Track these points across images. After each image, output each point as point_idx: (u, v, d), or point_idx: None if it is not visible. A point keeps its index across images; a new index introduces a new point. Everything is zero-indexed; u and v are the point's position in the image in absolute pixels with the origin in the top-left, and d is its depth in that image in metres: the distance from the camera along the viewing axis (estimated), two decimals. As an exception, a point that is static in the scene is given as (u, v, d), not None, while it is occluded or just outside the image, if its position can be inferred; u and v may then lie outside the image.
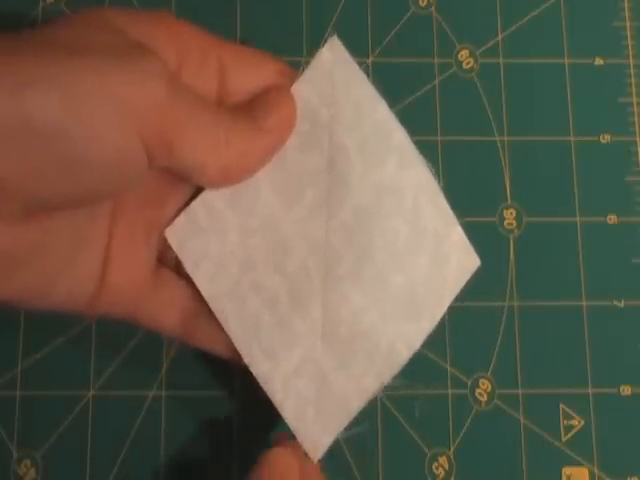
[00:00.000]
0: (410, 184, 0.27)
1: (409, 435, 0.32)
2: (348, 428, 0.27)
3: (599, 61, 0.35)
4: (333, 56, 0.27)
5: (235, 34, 0.35)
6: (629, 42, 0.36)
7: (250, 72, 0.26)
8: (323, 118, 0.27)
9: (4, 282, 0.24)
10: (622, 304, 0.33)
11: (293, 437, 0.27)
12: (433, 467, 0.32)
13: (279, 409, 0.27)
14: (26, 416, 0.31)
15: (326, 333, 0.27)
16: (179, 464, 0.31)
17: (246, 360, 0.27)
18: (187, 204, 0.27)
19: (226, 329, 0.27)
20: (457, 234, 0.28)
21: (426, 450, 0.32)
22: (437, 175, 0.34)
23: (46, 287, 0.25)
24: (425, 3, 0.36)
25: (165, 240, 0.27)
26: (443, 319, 0.32)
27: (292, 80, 0.27)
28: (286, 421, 0.27)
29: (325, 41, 0.28)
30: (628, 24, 0.36)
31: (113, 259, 0.26)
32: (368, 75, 0.35)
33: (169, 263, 0.28)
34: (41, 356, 0.32)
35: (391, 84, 0.35)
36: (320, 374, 0.27)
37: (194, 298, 0.28)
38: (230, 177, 0.26)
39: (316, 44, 0.35)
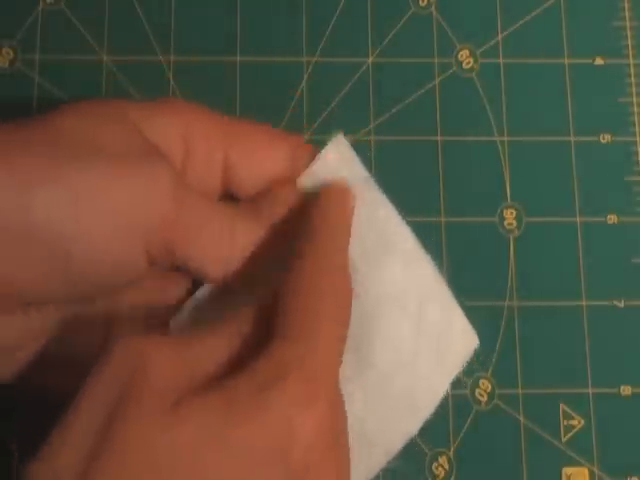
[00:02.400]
0: (415, 287, 0.27)
1: (409, 435, 0.32)
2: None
3: (599, 61, 0.35)
4: (338, 155, 0.27)
5: (235, 34, 0.35)
6: (629, 42, 0.36)
7: (257, 163, 0.26)
8: None
9: (2, 368, 0.24)
10: (622, 304, 0.33)
11: None
12: (433, 467, 0.32)
13: None
14: (26, 416, 0.31)
15: None
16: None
17: None
18: (191, 290, 0.27)
19: None
20: (459, 322, 0.28)
21: (426, 450, 0.32)
22: (437, 177, 0.34)
23: (44, 371, 0.25)
24: (425, 3, 0.36)
25: (166, 326, 0.27)
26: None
27: (306, 158, 0.27)
28: None
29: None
30: (628, 24, 0.36)
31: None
32: (368, 75, 0.35)
33: None
34: (41, 356, 0.32)
35: (391, 84, 0.35)
36: None
37: None
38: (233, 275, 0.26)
39: (316, 44, 0.35)
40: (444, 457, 0.32)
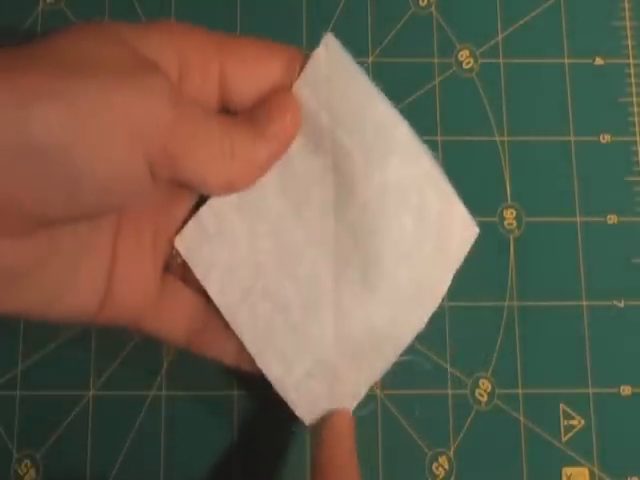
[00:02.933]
0: (415, 178, 0.27)
1: (409, 435, 0.32)
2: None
3: (599, 61, 0.35)
4: (329, 54, 0.27)
5: (235, 34, 0.35)
6: (629, 42, 0.36)
7: (252, 74, 0.26)
8: (324, 120, 0.27)
9: (9, 296, 0.23)
10: (622, 304, 0.33)
11: None
12: (433, 467, 0.32)
13: (293, 408, 0.27)
14: (26, 416, 0.31)
15: (339, 335, 0.27)
16: (179, 464, 0.31)
17: (260, 365, 0.27)
18: (194, 209, 0.27)
19: (238, 335, 0.27)
20: (458, 211, 0.28)
21: (426, 450, 0.32)
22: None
23: (51, 299, 0.25)
24: (425, 3, 0.36)
25: (171, 248, 0.27)
26: (443, 319, 0.32)
27: (301, 66, 0.27)
28: (300, 418, 0.27)
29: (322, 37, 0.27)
30: (628, 24, 0.36)
31: (118, 268, 0.26)
32: (368, 75, 0.35)
33: (175, 270, 0.28)
34: (41, 356, 0.32)
35: (391, 84, 0.35)
36: (332, 372, 0.27)
37: (201, 306, 0.28)
38: (234, 187, 0.26)
39: (316, 44, 0.35)
40: (444, 457, 0.32)
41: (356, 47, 0.35)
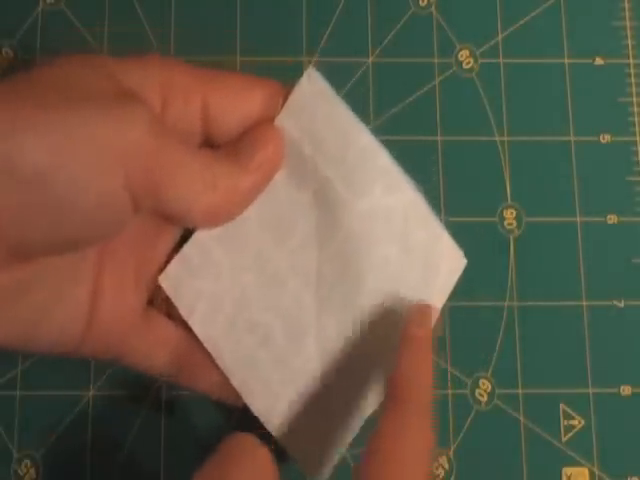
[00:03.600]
0: (398, 207, 0.27)
1: (409, 435, 0.32)
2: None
3: (599, 61, 0.35)
4: (312, 88, 0.27)
5: (235, 34, 0.35)
6: (629, 42, 0.36)
7: (235, 106, 0.26)
8: (306, 152, 0.27)
9: None
10: (622, 304, 0.33)
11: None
12: (433, 467, 0.32)
13: (281, 443, 0.27)
14: (26, 416, 0.31)
15: (323, 366, 0.27)
16: (179, 464, 0.31)
17: (245, 398, 0.27)
18: (179, 245, 0.27)
19: (223, 369, 0.27)
20: (445, 242, 0.28)
21: (426, 450, 0.32)
22: (437, 176, 0.34)
23: (32, 329, 0.25)
24: (425, 3, 0.36)
25: (154, 282, 0.27)
26: (443, 319, 0.32)
27: (283, 100, 0.27)
28: (286, 450, 0.27)
29: (309, 62, 0.27)
30: (628, 24, 0.36)
31: (101, 301, 0.26)
32: (368, 75, 0.35)
33: (159, 305, 0.28)
34: (41, 356, 0.32)
35: (391, 84, 0.35)
36: (319, 405, 0.27)
37: (185, 341, 0.28)
38: (218, 219, 0.26)
39: (316, 44, 0.35)
40: (444, 457, 0.32)
41: (356, 47, 0.35)
